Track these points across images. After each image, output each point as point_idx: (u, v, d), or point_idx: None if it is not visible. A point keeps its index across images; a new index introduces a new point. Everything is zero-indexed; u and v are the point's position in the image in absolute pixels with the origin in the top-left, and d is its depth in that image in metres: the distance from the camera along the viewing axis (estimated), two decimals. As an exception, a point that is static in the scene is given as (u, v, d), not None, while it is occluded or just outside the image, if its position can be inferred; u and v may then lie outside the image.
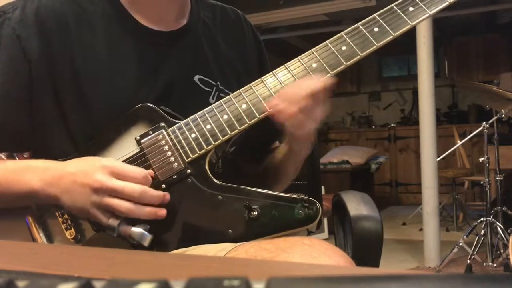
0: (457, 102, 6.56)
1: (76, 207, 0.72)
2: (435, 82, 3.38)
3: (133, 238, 0.71)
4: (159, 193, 0.73)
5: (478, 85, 3.04)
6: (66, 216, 0.76)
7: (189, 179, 0.77)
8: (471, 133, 3.47)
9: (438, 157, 3.32)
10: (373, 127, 6.78)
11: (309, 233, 1.00)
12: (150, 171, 0.75)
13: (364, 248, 0.91)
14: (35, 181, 0.73)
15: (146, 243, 0.71)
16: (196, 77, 0.87)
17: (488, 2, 4.87)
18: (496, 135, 3.09)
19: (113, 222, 0.71)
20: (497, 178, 3.10)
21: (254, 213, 0.74)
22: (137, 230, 0.71)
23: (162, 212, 0.73)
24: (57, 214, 0.77)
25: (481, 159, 3.08)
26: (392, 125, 6.47)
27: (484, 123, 3.06)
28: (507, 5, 4.76)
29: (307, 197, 0.76)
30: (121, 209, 0.70)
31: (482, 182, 3.14)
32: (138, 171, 0.72)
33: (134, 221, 0.72)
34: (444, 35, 6.02)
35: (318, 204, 0.74)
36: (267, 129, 0.98)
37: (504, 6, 4.87)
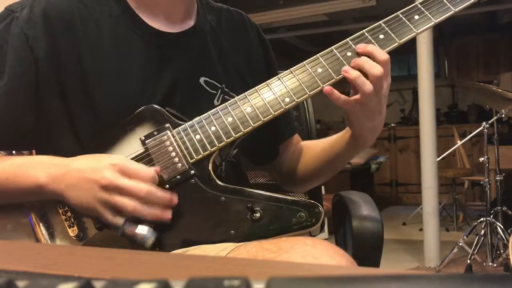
0: (457, 102, 6.56)
1: (81, 203, 0.72)
2: (435, 82, 3.38)
3: (136, 239, 0.71)
4: (166, 194, 0.73)
5: (478, 85, 3.03)
6: (69, 213, 0.76)
7: (193, 180, 0.77)
8: (471, 133, 3.47)
9: (438, 157, 3.32)
10: (373, 127, 6.77)
11: (311, 235, 1.00)
12: (157, 167, 0.75)
13: (365, 248, 0.91)
14: (41, 176, 0.73)
15: (147, 245, 0.71)
16: (202, 79, 0.87)
17: (488, 2, 4.86)
18: (496, 135, 3.09)
19: (119, 220, 0.71)
20: (497, 178, 3.10)
21: (257, 214, 0.74)
22: (140, 232, 0.71)
23: (167, 215, 0.72)
24: (60, 211, 0.77)
25: (481, 159, 3.08)
26: (392, 125, 6.46)
27: (484, 123, 3.06)
28: (507, 5, 4.76)
29: (309, 200, 0.76)
30: (127, 207, 0.70)
31: (482, 182, 3.14)
32: (146, 170, 0.72)
33: (140, 221, 0.71)
34: (444, 35, 6.02)
35: (320, 207, 0.74)
36: (272, 131, 0.98)
37: (504, 6, 4.86)
